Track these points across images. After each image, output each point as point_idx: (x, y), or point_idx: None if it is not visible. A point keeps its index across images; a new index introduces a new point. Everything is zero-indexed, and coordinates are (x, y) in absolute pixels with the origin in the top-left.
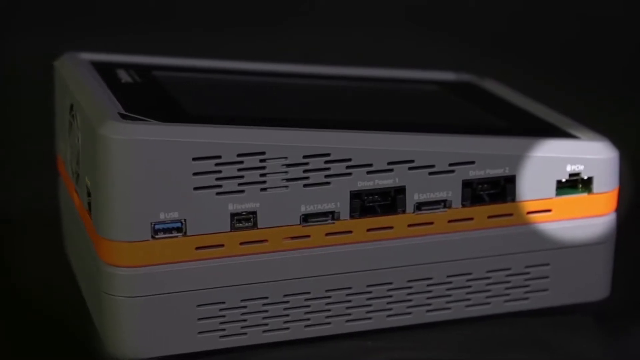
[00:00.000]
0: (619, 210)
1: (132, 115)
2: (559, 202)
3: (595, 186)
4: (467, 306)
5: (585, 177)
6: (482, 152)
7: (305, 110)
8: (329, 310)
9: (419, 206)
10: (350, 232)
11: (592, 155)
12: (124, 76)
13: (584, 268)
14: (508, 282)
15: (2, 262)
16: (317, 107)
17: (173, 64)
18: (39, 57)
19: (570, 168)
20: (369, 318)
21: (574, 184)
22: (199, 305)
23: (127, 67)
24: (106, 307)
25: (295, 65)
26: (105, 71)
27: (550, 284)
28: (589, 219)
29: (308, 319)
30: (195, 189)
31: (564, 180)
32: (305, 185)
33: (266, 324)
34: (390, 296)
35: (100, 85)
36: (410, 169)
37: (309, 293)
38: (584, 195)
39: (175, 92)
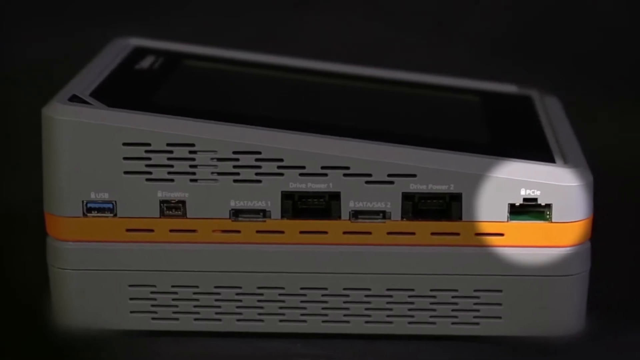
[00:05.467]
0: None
1: (82, 98)
2: (512, 227)
3: (556, 214)
4: (410, 323)
5: (543, 204)
6: (424, 166)
7: (262, 106)
8: (261, 307)
9: (356, 214)
10: (282, 232)
11: (551, 181)
12: (145, 63)
13: (545, 300)
14: (455, 303)
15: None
16: (284, 105)
17: (211, 54)
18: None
19: (525, 192)
20: (304, 321)
21: (541, 210)
22: (130, 286)
23: (160, 54)
24: (50, 277)
25: (325, 62)
26: (132, 57)
27: (504, 312)
28: (550, 248)
29: (240, 313)
30: (126, 173)
31: (517, 204)
32: (235, 181)
33: (197, 313)
34: (326, 302)
35: (103, 69)
36: (345, 175)
37: (240, 287)
38: (543, 222)
39: (174, 82)
